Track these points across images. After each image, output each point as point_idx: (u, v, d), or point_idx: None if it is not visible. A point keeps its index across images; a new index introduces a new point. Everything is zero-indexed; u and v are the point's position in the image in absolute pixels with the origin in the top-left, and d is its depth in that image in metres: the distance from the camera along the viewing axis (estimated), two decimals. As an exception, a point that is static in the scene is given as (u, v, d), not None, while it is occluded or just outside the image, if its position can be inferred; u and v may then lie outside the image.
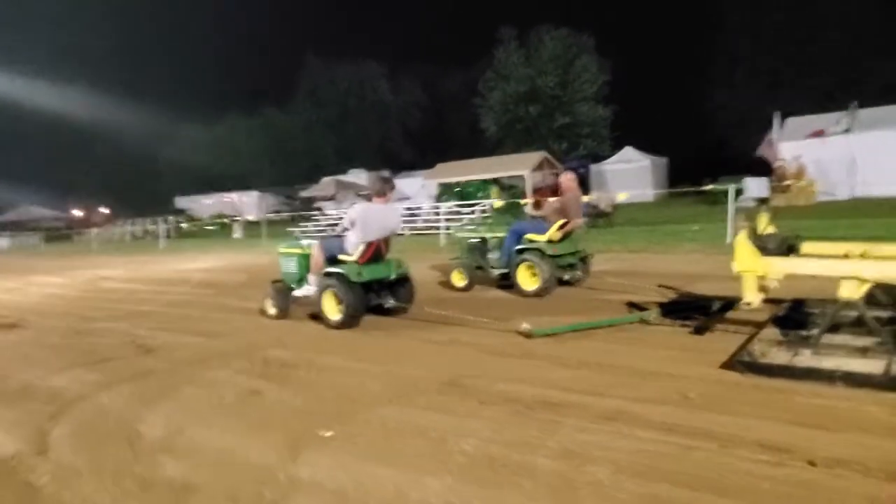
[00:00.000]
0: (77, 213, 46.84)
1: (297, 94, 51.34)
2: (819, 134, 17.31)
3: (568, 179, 7.67)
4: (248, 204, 40.82)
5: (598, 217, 15.47)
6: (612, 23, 46.59)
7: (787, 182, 17.95)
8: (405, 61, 51.98)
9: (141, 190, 49.24)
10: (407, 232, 18.66)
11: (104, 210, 46.55)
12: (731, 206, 10.99)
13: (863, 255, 4.16)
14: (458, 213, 18.29)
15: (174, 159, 53.39)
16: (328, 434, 3.34)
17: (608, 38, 41.00)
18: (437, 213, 18.56)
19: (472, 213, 17.61)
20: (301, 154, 49.59)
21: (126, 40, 54.73)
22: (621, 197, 16.68)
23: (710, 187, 14.32)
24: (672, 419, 3.20)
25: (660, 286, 6.93)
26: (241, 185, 44.95)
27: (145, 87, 52.30)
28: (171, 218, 30.33)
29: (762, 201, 17.30)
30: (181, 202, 45.90)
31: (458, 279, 7.88)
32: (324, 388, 4.20)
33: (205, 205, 43.52)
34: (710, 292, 6.04)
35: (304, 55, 52.45)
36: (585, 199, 16.00)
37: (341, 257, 6.31)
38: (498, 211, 17.70)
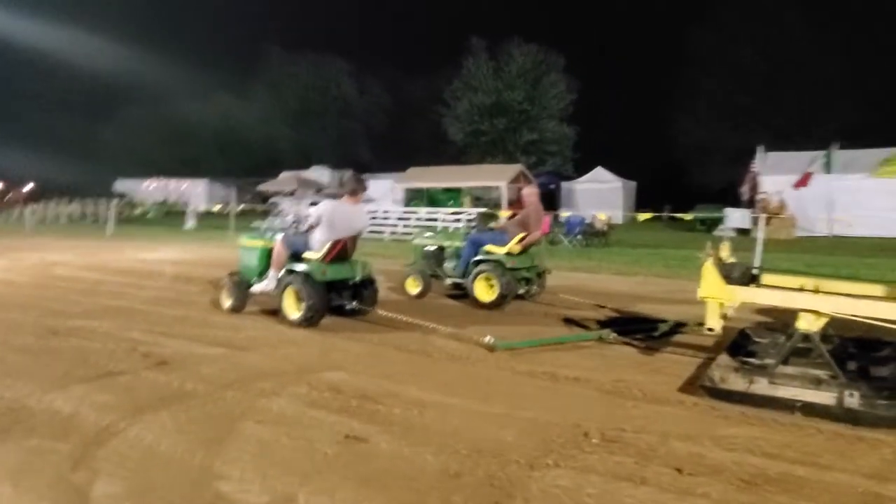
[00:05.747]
0: None
1: (256, 84, 49.00)
2: (806, 181, 17.67)
3: (530, 193, 7.68)
4: (195, 193, 38.40)
5: (594, 236, 14.99)
6: (582, 44, 46.97)
7: (769, 215, 18.06)
8: (369, 62, 50.47)
9: (74, 168, 45.40)
10: (387, 236, 17.62)
11: (28, 186, 42.61)
12: (760, 236, 10.62)
13: (816, 290, 4.44)
14: (444, 220, 17.44)
15: (114, 139, 49.89)
16: (515, 517, 2.44)
17: (577, 58, 41.37)
18: (432, 219, 17.72)
19: (458, 220, 16.78)
20: (256, 146, 47.29)
21: (77, 9, 50.60)
22: (641, 217, 16.31)
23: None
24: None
25: (598, 305, 7.01)
26: (187, 171, 42.32)
27: (87, 59, 48.40)
28: (115, 201, 27.81)
29: (743, 232, 17.39)
30: (120, 185, 42.67)
31: (413, 286, 7.71)
32: (446, 437, 3.26)
33: (146, 190, 40.68)
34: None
35: (265, 43, 50.26)
36: (603, 217, 15.76)
37: (306, 255, 6.06)
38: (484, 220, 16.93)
